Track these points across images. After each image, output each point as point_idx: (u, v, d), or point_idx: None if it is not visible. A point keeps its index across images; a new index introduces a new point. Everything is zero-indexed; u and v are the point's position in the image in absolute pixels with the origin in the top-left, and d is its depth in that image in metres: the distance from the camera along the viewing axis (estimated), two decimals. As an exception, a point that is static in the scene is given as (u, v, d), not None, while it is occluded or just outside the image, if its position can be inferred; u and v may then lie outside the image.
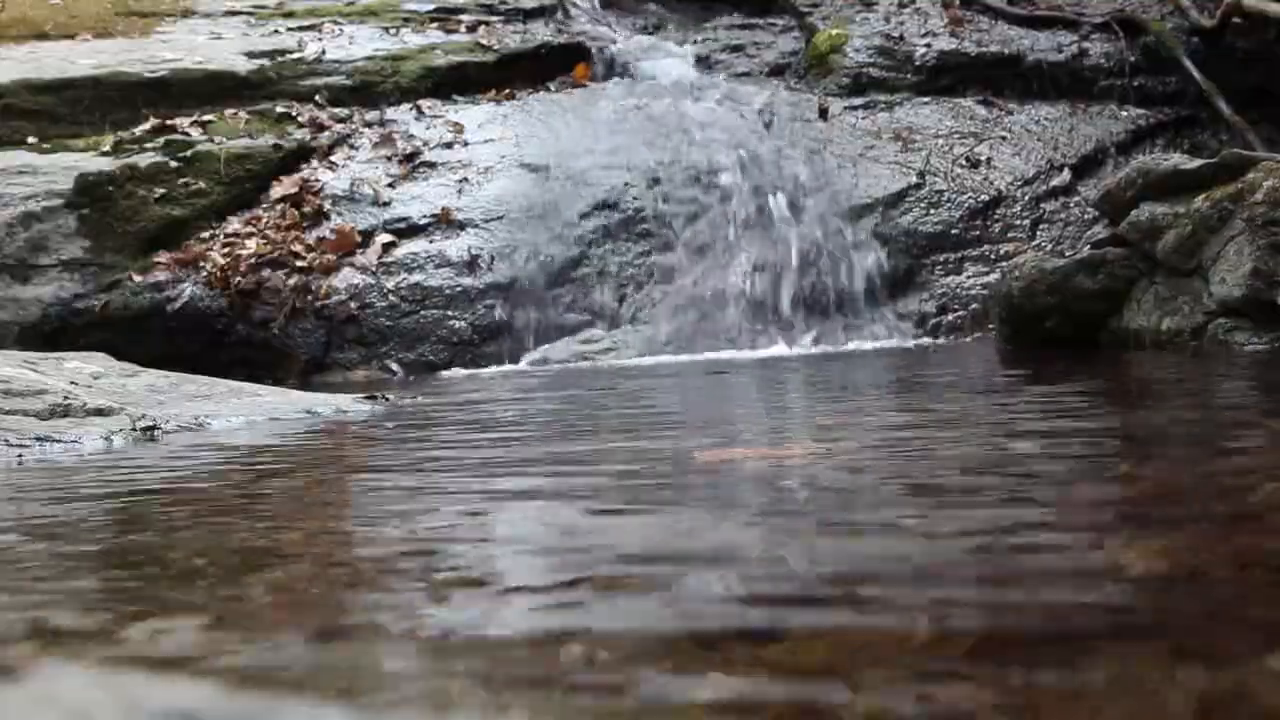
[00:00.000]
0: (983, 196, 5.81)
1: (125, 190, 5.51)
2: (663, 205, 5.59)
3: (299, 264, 5.29)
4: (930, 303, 5.38)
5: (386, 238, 5.45)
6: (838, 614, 0.95)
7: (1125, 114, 6.57)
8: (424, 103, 6.45)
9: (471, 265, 5.33)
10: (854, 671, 0.80)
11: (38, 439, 2.55)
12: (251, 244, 5.35)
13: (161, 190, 5.54)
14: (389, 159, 5.94)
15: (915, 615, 0.93)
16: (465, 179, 5.77)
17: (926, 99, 6.57)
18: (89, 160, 5.66)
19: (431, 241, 5.45)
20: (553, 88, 6.78)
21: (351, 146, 6.05)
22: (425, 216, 5.56)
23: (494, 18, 7.33)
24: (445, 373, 4.98)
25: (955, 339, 5.19)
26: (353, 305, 5.19)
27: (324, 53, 6.69)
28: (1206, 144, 6.33)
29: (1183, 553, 1.13)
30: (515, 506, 1.63)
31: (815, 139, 6.08)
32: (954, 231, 5.64)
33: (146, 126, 5.94)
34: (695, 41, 7.38)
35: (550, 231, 5.47)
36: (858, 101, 6.51)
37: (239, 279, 5.19)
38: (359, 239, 5.45)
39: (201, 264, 5.27)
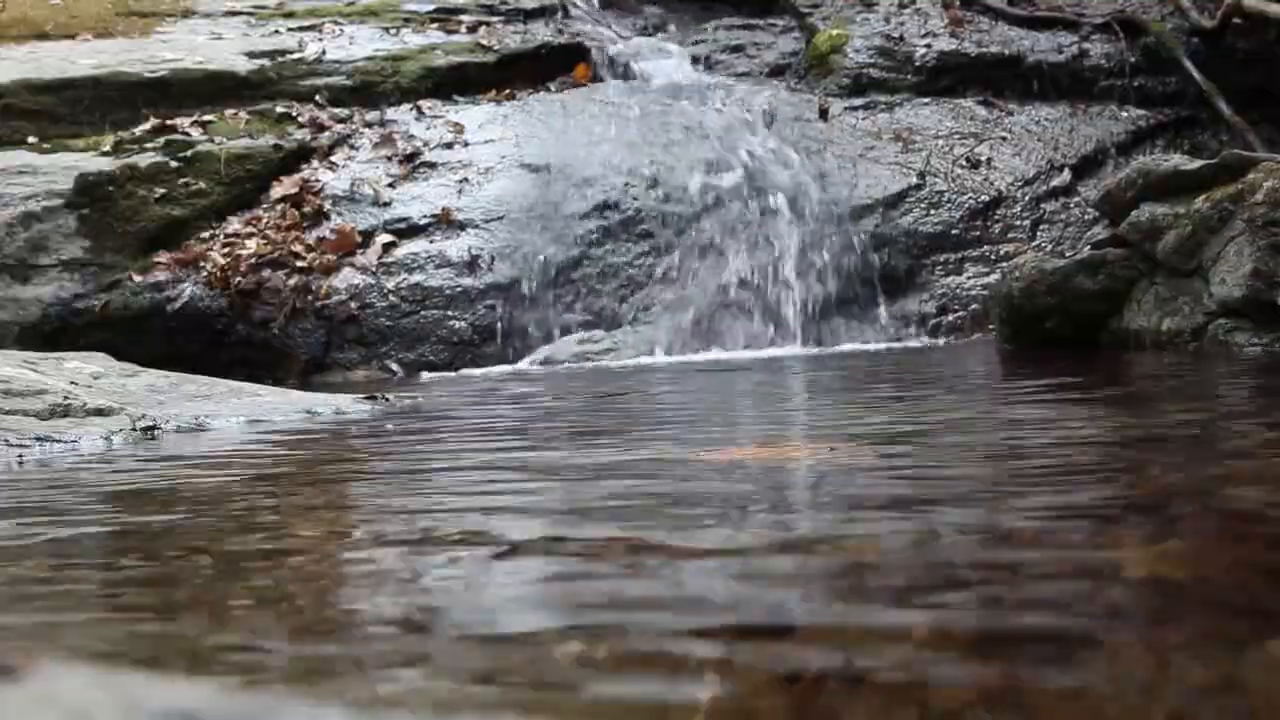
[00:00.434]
0: (983, 197, 5.81)
1: (125, 190, 5.51)
2: (663, 206, 5.59)
3: (299, 264, 5.29)
4: (930, 303, 5.38)
5: (387, 238, 5.45)
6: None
7: (1125, 114, 6.56)
8: (424, 103, 6.45)
9: (472, 265, 5.33)
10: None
11: (38, 439, 2.55)
12: (251, 244, 5.35)
13: (161, 190, 5.54)
14: (389, 159, 5.94)
15: (914, 615, 0.93)
16: (465, 179, 5.77)
17: (927, 99, 6.56)
18: (89, 160, 5.66)
19: (432, 242, 5.45)
20: (553, 88, 6.78)
21: (352, 146, 6.05)
22: (425, 217, 5.56)
23: (494, 18, 7.33)
24: (445, 373, 4.98)
25: (956, 339, 5.19)
26: (353, 305, 5.19)
27: (324, 53, 6.69)
28: (1207, 145, 6.33)
29: (1182, 553, 1.13)
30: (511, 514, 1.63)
31: (815, 139, 6.08)
32: (954, 232, 5.64)
33: (147, 126, 5.94)
34: (695, 42, 7.38)
35: (550, 232, 5.47)
36: (858, 102, 6.51)
37: (239, 279, 5.19)
38: (359, 239, 5.45)
39: (201, 264, 5.27)
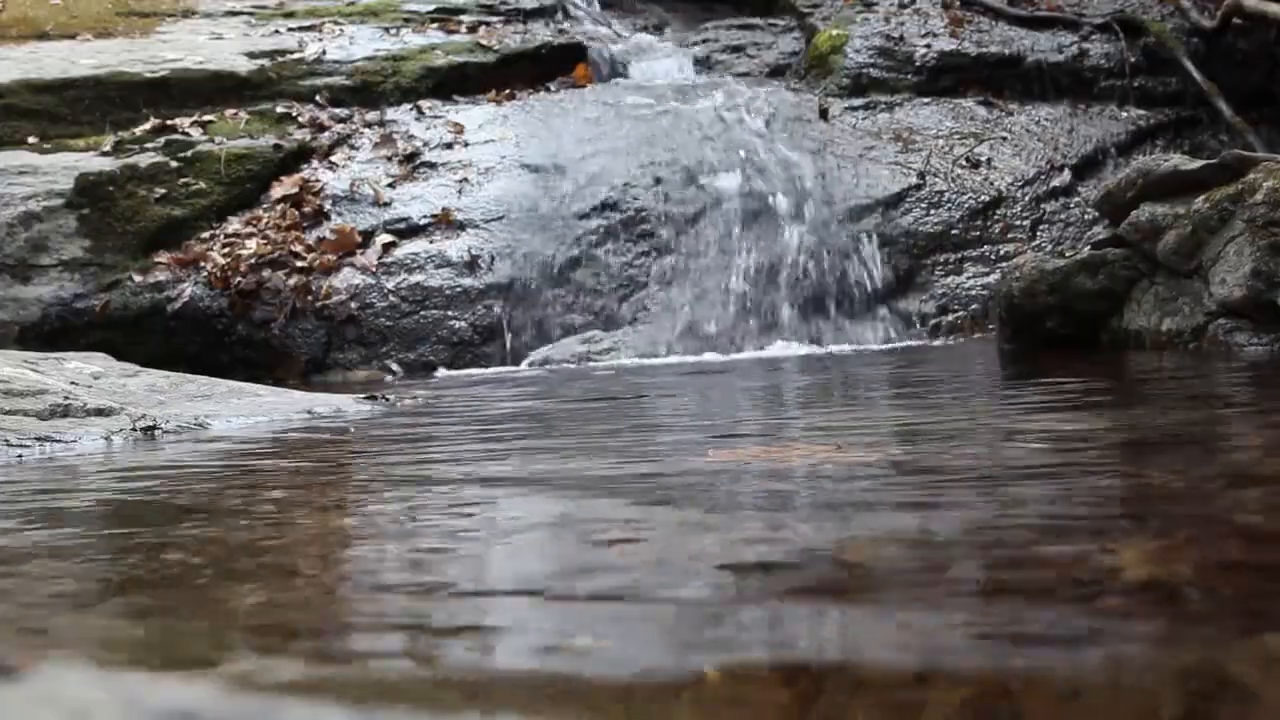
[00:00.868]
0: (983, 197, 5.81)
1: (126, 190, 5.51)
2: (663, 206, 5.59)
3: (299, 264, 5.29)
4: (930, 303, 5.38)
5: (386, 238, 5.45)
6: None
7: (1125, 115, 6.56)
8: (424, 103, 6.45)
9: (472, 266, 5.33)
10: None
11: (38, 439, 2.55)
12: (252, 244, 5.35)
13: (162, 190, 5.54)
14: (389, 159, 5.94)
15: (913, 615, 0.93)
16: (465, 179, 5.77)
17: (927, 99, 6.56)
18: (89, 160, 5.66)
19: (432, 242, 5.45)
20: (553, 88, 6.78)
21: (352, 147, 6.05)
22: (425, 217, 5.56)
23: (494, 18, 7.33)
24: (446, 373, 4.98)
25: (956, 339, 5.19)
26: (353, 305, 5.19)
27: (324, 53, 6.69)
28: (1207, 145, 6.33)
29: (1182, 553, 1.13)
30: (508, 502, 1.63)
31: (815, 139, 6.08)
32: (954, 232, 5.64)
33: (147, 126, 5.94)
34: (695, 42, 7.38)
35: (550, 232, 5.47)
36: (858, 102, 6.50)
37: (239, 279, 5.19)
38: (359, 239, 5.45)
39: (202, 264, 5.27)
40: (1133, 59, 6.77)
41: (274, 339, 5.14)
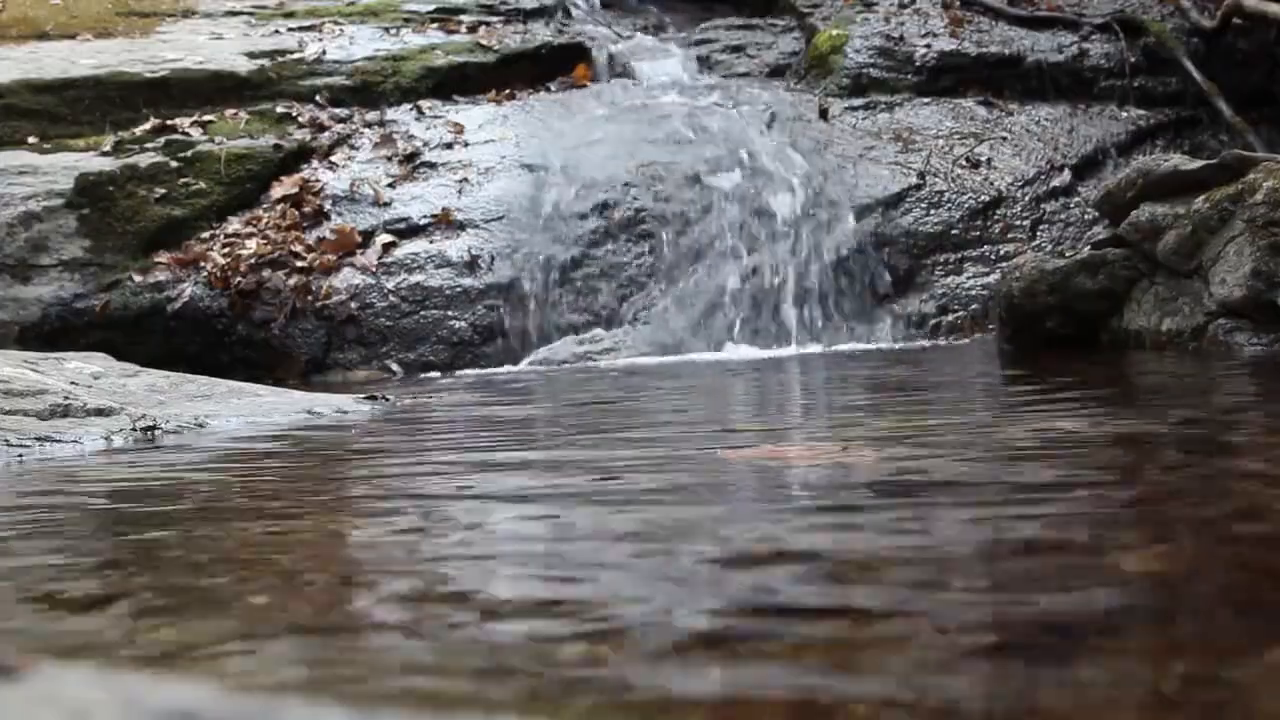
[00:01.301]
0: (983, 197, 5.80)
1: (126, 190, 5.51)
2: (663, 206, 5.59)
3: (299, 264, 5.29)
4: (931, 303, 5.38)
5: (387, 238, 5.45)
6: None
7: (1125, 115, 6.56)
8: (424, 103, 6.45)
9: (472, 266, 5.33)
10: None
11: (38, 439, 2.55)
12: (252, 244, 5.35)
13: (162, 190, 5.54)
14: (389, 159, 5.94)
15: (917, 621, 0.93)
16: (465, 179, 5.77)
17: (927, 99, 6.56)
18: (89, 160, 5.66)
19: (432, 242, 5.45)
20: (553, 88, 6.78)
21: (352, 147, 6.05)
22: (425, 217, 5.56)
23: (494, 18, 7.33)
24: (446, 373, 4.98)
25: (956, 339, 5.19)
26: (353, 305, 5.19)
27: (324, 53, 6.69)
28: (1207, 145, 6.32)
29: (1182, 553, 1.13)
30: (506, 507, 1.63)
31: (815, 139, 6.08)
32: (954, 232, 5.64)
33: (147, 126, 5.94)
34: (695, 42, 7.38)
35: (550, 232, 5.47)
36: (858, 102, 6.50)
37: (239, 279, 5.19)
38: (359, 239, 5.45)
39: (202, 264, 5.27)
40: (1133, 59, 6.77)
41: (274, 339, 5.14)
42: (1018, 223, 5.75)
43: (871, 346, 5.09)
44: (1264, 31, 6.70)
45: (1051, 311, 4.06)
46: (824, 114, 6.34)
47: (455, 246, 5.41)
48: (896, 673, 0.79)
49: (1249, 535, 1.20)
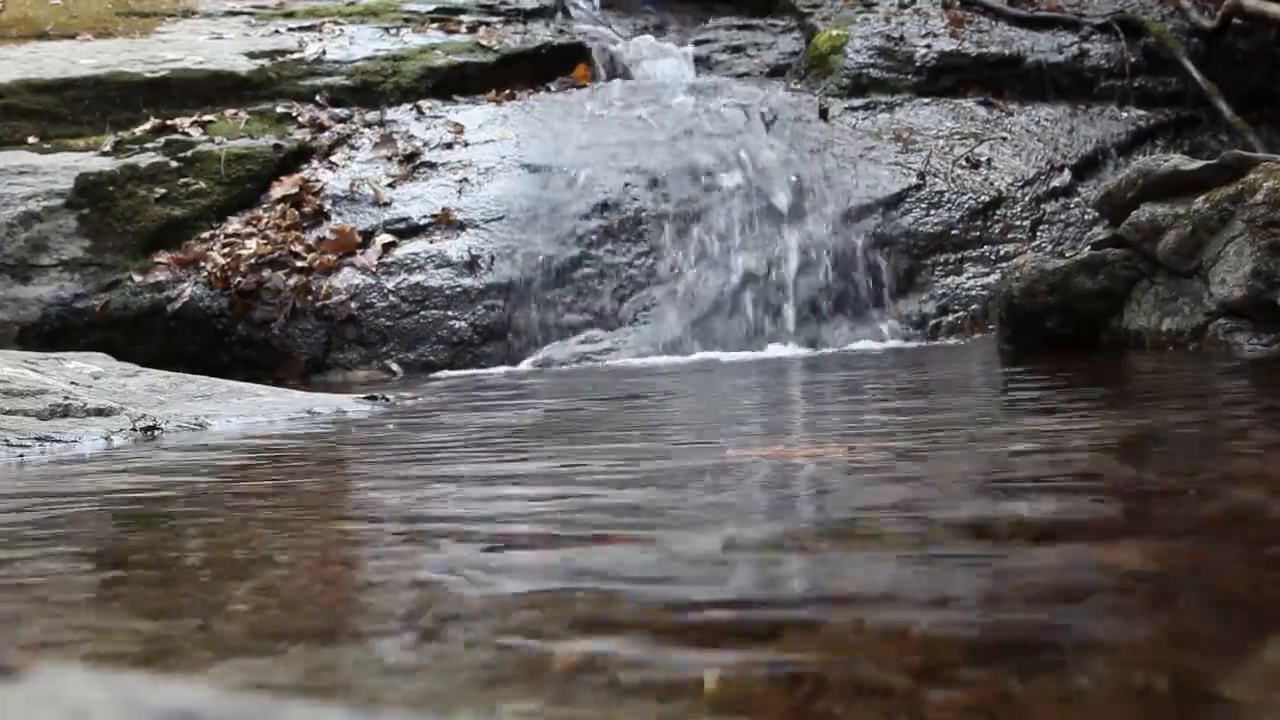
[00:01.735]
0: (983, 197, 5.81)
1: (126, 190, 5.51)
2: (663, 206, 5.59)
3: (299, 264, 5.29)
4: (931, 303, 5.38)
5: (387, 238, 5.45)
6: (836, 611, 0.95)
7: (1126, 115, 6.56)
8: (424, 103, 6.45)
9: (472, 266, 5.33)
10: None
11: (38, 439, 2.55)
12: (252, 244, 5.35)
13: (162, 190, 5.54)
14: (389, 159, 5.94)
15: (915, 617, 0.93)
16: (465, 179, 5.77)
17: (927, 100, 6.56)
18: (89, 160, 5.66)
19: (432, 242, 5.45)
20: (553, 88, 6.78)
21: (352, 147, 6.05)
22: (425, 217, 5.56)
23: (494, 18, 7.33)
24: (445, 373, 4.98)
25: (956, 339, 5.19)
26: (353, 305, 5.19)
27: (324, 53, 6.69)
28: (1207, 145, 6.32)
29: (1182, 552, 1.13)
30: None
31: (816, 140, 6.08)
32: (954, 232, 5.64)
33: (147, 126, 5.94)
34: (695, 42, 7.38)
35: (550, 232, 5.47)
36: (858, 102, 6.50)
37: (239, 279, 5.19)
38: (359, 239, 5.45)
39: (202, 264, 5.27)
40: (1133, 59, 6.77)
41: (274, 339, 5.14)
42: (1018, 223, 5.75)
43: (871, 346, 5.09)
44: (1264, 31, 6.70)
45: (1051, 311, 4.06)
46: (824, 114, 6.34)
47: (455, 246, 5.41)
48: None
49: (1250, 534, 1.20)
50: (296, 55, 6.63)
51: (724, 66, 7.14)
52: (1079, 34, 6.92)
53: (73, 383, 3.00)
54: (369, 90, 6.51)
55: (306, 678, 0.85)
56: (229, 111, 6.15)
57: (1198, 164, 3.88)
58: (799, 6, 7.40)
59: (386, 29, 7.10)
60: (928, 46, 6.78)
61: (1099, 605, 0.94)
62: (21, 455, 2.44)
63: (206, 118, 6.07)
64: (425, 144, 6.04)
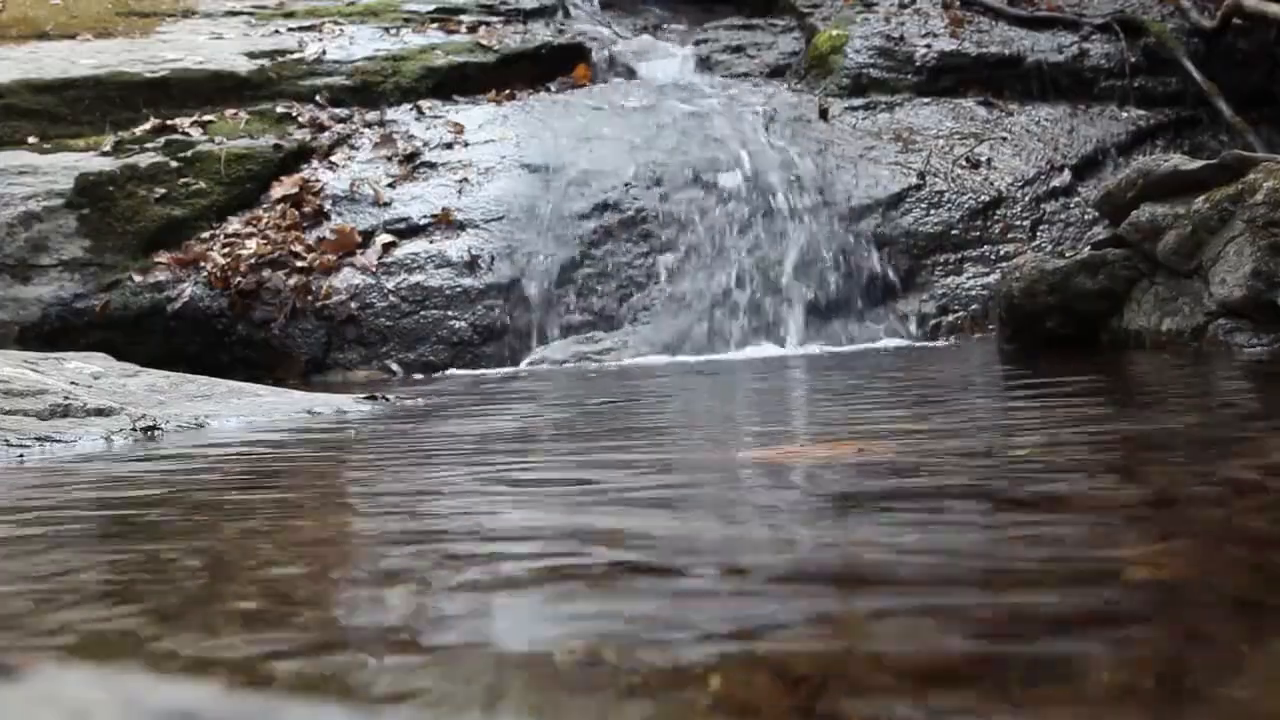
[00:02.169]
0: (983, 197, 5.81)
1: (125, 190, 5.51)
2: (663, 206, 5.59)
3: (299, 264, 5.29)
4: (930, 303, 5.38)
5: (387, 238, 5.45)
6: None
7: (1126, 115, 6.57)
8: (424, 103, 6.46)
9: (472, 266, 5.33)
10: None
11: (38, 439, 2.55)
12: (252, 244, 5.35)
13: (162, 190, 5.54)
14: (389, 159, 5.94)
15: (921, 619, 0.93)
16: (465, 179, 5.77)
17: (927, 100, 6.57)
18: (89, 160, 5.66)
19: (432, 242, 5.45)
20: (553, 88, 6.78)
21: (352, 147, 6.05)
22: (425, 217, 5.56)
23: (494, 18, 7.33)
24: (445, 373, 4.98)
25: (956, 339, 5.19)
26: (353, 305, 5.19)
27: (324, 53, 6.70)
28: (1207, 145, 6.33)
29: (1183, 553, 1.13)
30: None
31: (816, 140, 6.08)
32: (954, 232, 5.64)
33: (147, 126, 5.95)
34: (695, 42, 7.38)
35: (550, 232, 5.47)
36: (858, 102, 6.51)
37: (239, 279, 5.19)
38: (359, 239, 5.45)
39: (202, 264, 5.27)
40: (1133, 59, 6.77)
41: (274, 339, 5.14)
42: (1018, 223, 5.75)
43: (871, 346, 5.09)
44: (1264, 31, 6.70)
45: (1051, 311, 4.06)
46: (824, 114, 6.34)
47: (455, 246, 5.41)
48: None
49: (1250, 534, 1.20)
50: (296, 55, 6.63)
51: (724, 66, 7.14)
52: (1079, 34, 6.93)
53: (73, 383, 3.00)
54: (369, 90, 6.51)
55: (307, 676, 0.85)
56: (229, 111, 6.15)
57: (1198, 164, 3.88)
58: (799, 6, 7.41)
59: (386, 29, 7.10)
60: (928, 46, 6.78)
61: (1100, 604, 0.94)
62: (21, 455, 2.44)
63: (206, 118, 6.07)
64: (425, 144, 6.05)
